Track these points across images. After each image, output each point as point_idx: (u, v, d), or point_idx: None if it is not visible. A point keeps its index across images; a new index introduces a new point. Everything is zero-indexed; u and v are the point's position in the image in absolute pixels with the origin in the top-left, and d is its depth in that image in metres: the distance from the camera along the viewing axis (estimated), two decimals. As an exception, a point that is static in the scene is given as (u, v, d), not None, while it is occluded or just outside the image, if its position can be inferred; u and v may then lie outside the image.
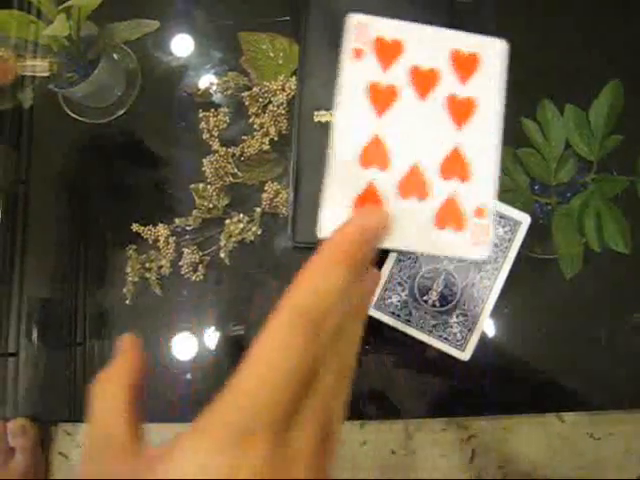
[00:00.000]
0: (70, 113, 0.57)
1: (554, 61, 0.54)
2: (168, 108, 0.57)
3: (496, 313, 0.49)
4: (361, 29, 0.35)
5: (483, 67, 0.35)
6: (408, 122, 0.34)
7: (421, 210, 0.33)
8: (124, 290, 0.52)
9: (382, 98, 0.34)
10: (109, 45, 0.53)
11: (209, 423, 0.24)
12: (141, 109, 0.57)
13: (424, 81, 0.35)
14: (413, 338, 0.48)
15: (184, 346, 0.52)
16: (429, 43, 0.36)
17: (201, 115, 0.54)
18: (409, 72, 0.35)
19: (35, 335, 0.54)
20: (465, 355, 0.46)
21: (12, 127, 0.58)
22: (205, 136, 0.54)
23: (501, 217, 0.48)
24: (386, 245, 0.32)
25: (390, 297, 0.48)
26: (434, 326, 0.48)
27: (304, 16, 0.53)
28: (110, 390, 0.28)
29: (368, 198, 0.33)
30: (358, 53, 0.35)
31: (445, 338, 0.47)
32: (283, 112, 0.53)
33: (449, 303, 0.48)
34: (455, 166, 0.34)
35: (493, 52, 0.36)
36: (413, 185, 0.34)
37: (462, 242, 0.33)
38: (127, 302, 0.53)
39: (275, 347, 0.24)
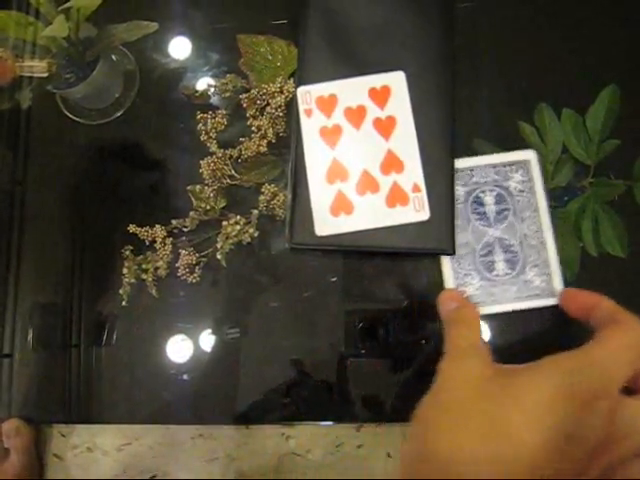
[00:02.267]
0: (68, 114, 0.57)
1: (551, 66, 0.54)
2: (166, 110, 0.57)
3: (492, 317, 0.49)
4: (305, 95, 0.51)
5: (393, 93, 0.50)
6: (353, 145, 0.50)
7: (376, 199, 0.48)
8: (120, 291, 0.52)
9: (331, 136, 0.50)
10: (108, 46, 0.53)
11: (553, 365, 0.33)
12: (139, 110, 0.57)
13: (356, 116, 0.50)
14: (407, 341, 0.48)
15: (180, 348, 0.52)
16: (353, 89, 0.50)
17: (199, 117, 0.54)
18: (344, 113, 0.50)
19: (30, 336, 0.54)
20: (559, 296, 0.47)
21: (10, 128, 0.58)
22: (203, 138, 0.54)
23: (510, 165, 0.49)
24: (359, 226, 0.48)
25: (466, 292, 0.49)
26: (518, 291, 0.48)
27: (302, 19, 0.53)
28: (465, 331, 0.38)
29: (340, 202, 0.49)
30: (308, 112, 0.50)
31: (534, 295, 0.48)
32: (281, 114, 0.53)
33: (517, 264, 0.48)
34: (391, 163, 0.49)
35: (397, 81, 0.50)
36: (366, 184, 0.49)
37: (408, 212, 0.48)
38: (123, 303, 0.52)
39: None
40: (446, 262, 0.49)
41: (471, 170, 0.49)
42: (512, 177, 0.49)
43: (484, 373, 0.34)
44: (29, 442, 0.52)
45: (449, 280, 0.49)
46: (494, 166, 0.49)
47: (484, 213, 0.49)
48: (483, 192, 0.49)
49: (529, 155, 0.50)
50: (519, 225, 0.48)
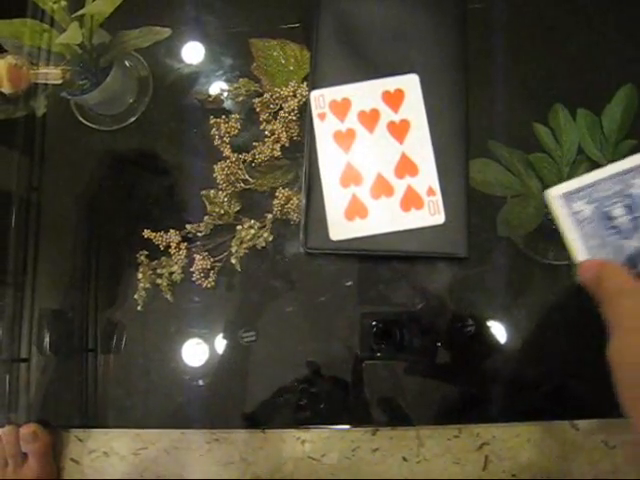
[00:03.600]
0: (82, 120, 0.58)
1: (566, 65, 0.53)
2: (179, 115, 0.57)
3: (508, 319, 0.49)
4: (319, 99, 0.51)
5: (407, 96, 0.50)
6: (367, 149, 0.49)
7: (390, 203, 0.48)
8: (135, 296, 0.53)
9: (345, 139, 0.50)
10: (121, 52, 0.54)
11: None
12: (153, 116, 0.57)
13: (370, 119, 0.50)
14: (422, 344, 0.48)
15: (195, 352, 0.52)
16: (366, 93, 0.50)
17: (212, 121, 0.54)
18: (358, 116, 0.50)
19: (47, 341, 0.55)
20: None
21: (25, 134, 0.59)
22: (216, 142, 0.54)
23: (629, 172, 0.46)
24: (374, 230, 0.48)
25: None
26: None
27: (315, 22, 0.53)
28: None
29: (354, 207, 0.49)
30: (322, 116, 0.50)
31: None
32: (294, 118, 0.53)
33: None
34: (405, 167, 0.49)
35: (411, 84, 0.50)
36: (381, 188, 0.49)
37: (424, 215, 0.48)
38: (138, 308, 0.53)
39: None
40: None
41: (590, 187, 0.47)
42: (634, 183, 0.47)
43: None
44: (47, 447, 0.52)
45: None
46: (611, 177, 0.47)
47: (617, 227, 0.47)
48: (610, 206, 0.47)
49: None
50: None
